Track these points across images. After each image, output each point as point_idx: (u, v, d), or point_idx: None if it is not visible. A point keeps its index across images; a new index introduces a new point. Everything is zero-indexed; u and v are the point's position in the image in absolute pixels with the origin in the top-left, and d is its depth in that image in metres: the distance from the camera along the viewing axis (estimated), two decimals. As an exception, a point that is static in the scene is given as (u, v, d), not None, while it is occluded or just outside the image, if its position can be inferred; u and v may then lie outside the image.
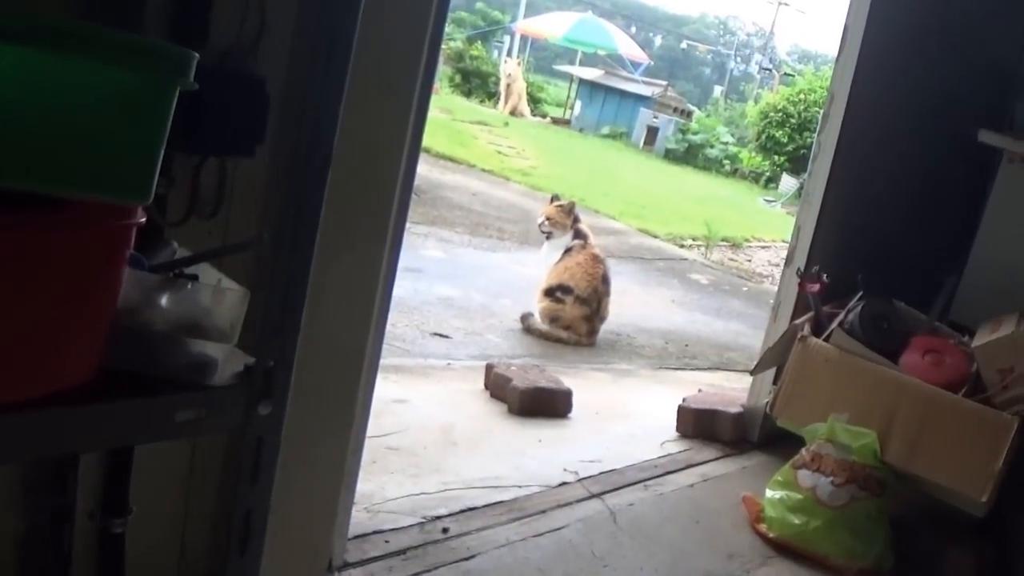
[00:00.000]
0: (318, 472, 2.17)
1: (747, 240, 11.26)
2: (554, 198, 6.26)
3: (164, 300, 1.34)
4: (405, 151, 2.08)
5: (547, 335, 5.65)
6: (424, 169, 9.97)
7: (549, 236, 6.03)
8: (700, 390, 4.42)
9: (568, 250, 5.94)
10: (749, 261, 10.34)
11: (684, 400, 4.04)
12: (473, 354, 4.99)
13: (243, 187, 1.77)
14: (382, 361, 2.33)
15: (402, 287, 5.64)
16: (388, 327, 2.30)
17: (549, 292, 5.80)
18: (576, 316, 5.71)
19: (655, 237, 10.13)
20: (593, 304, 5.76)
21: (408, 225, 2.20)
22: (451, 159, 11.88)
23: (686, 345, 6.17)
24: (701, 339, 6.42)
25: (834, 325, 3.48)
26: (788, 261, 3.89)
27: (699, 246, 10.27)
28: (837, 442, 3.17)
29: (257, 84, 1.68)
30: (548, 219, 6.02)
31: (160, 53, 1.19)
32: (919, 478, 3.15)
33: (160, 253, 1.51)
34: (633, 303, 7.02)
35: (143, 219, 1.26)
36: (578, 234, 6.00)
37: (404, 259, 2.30)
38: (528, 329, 5.69)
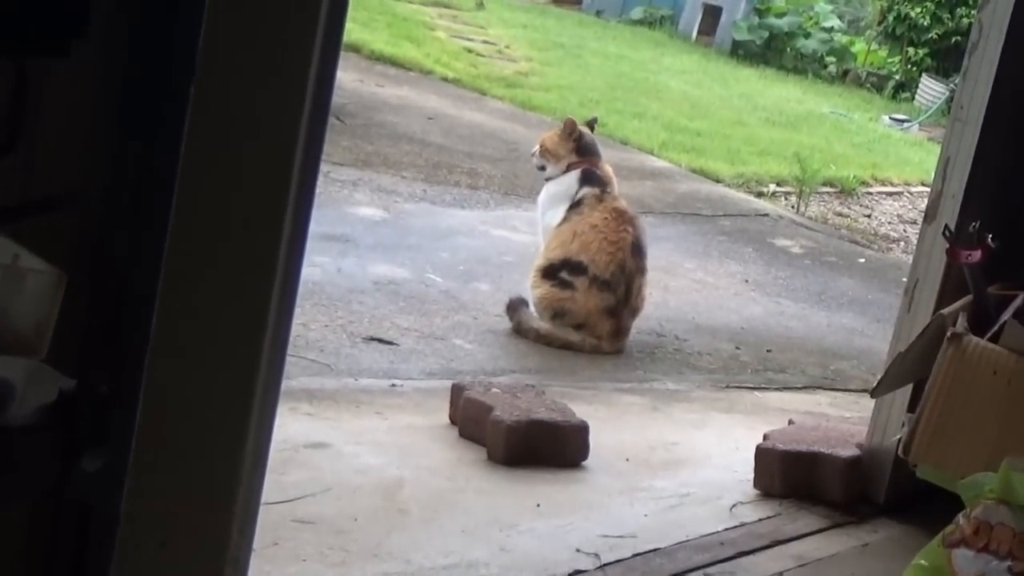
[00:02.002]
0: (183, 561, 2.16)
1: (864, 184, 11.31)
2: (569, 123, 6.19)
3: (-73, 291, 1.33)
4: (316, 51, 2.06)
5: (548, 337, 5.67)
6: (350, 79, 9.98)
7: (546, 176, 6.05)
8: (791, 422, 4.43)
9: (577, 203, 5.93)
10: (868, 216, 10.39)
11: (766, 438, 4.06)
12: (432, 370, 5.01)
13: (54, 108, 1.75)
14: (287, 383, 2.34)
15: (319, 265, 5.64)
16: (296, 329, 2.30)
17: (550, 271, 5.81)
18: (593, 308, 5.72)
19: (718, 182, 10.17)
20: (619, 289, 5.76)
21: (326, 169, 2.19)
22: (395, 62, 11.88)
23: (768, 351, 6.21)
24: (792, 341, 6.45)
25: (1007, 315, 3.48)
26: (930, 215, 3.90)
27: (788, 194, 10.30)
28: (1016, 504, 3.17)
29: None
30: (540, 147, 6.07)
31: None
32: None
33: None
34: (683, 286, 7.04)
35: None
36: (590, 178, 5.98)
37: (320, 221, 2.30)
38: (519, 329, 5.70)
